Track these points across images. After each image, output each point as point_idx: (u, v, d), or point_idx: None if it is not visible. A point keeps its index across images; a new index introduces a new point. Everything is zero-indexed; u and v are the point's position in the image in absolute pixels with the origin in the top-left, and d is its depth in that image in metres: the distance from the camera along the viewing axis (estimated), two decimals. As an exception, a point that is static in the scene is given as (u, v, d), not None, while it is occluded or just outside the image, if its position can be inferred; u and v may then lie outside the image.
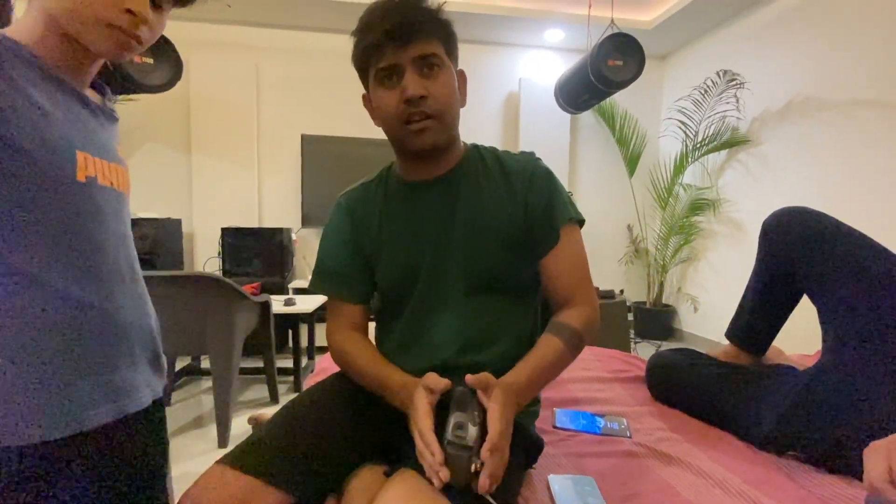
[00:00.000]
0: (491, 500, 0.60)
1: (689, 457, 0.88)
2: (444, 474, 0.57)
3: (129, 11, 0.57)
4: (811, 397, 0.87)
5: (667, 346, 3.30)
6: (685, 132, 3.35)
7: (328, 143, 3.39)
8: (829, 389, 0.86)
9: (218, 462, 0.70)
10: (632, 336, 3.48)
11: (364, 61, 0.76)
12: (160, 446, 0.77)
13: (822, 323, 0.95)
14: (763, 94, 2.94)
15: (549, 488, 0.76)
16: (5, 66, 0.53)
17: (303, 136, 3.36)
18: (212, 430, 2.01)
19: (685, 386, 1.10)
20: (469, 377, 0.66)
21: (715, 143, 3.23)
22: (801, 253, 0.96)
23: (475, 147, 0.88)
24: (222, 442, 1.93)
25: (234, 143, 3.37)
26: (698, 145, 3.31)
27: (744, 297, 1.14)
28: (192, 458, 1.91)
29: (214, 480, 0.67)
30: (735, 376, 1.03)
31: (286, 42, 3.45)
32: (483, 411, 0.64)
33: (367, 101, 0.81)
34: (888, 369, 0.82)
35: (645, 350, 3.26)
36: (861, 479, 0.64)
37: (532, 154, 0.86)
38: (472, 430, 0.60)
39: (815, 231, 0.96)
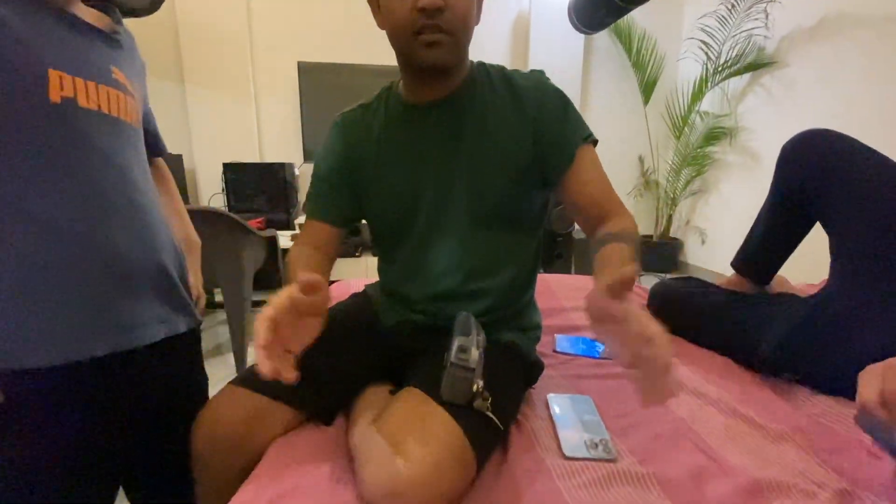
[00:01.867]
0: (491, 415, 0.62)
1: (686, 379, 0.91)
2: (288, 376, 0.54)
3: None
4: (814, 322, 0.87)
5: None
6: (707, 53, 3.13)
7: (327, 71, 3.22)
8: (833, 315, 0.86)
9: (230, 383, 0.73)
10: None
11: None
12: (192, 376, 0.81)
13: (832, 251, 0.93)
14: (795, 8, 2.70)
15: (547, 406, 0.80)
16: None
17: (300, 64, 3.19)
18: (230, 358, 2.11)
19: (687, 312, 1.11)
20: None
21: (738, 65, 3.02)
22: (818, 176, 0.92)
23: (482, 65, 0.82)
24: (240, 370, 2.04)
25: (228, 73, 3.22)
26: (720, 68, 3.10)
27: (754, 224, 1.11)
28: (213, 384, 2.02)
29: (228, 400, 0.70)
30: (738, 303, 1.03)
31: (276, -43, 3.17)
32: (484, 335, 0.66)
33: (375, 6, 0.73)
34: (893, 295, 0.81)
35: (648, 282, 3.29)
36: (853, 401, 0.65)
37: (541, 73, 0.81)
38: (475, 353, 0.62)
39: (835, 153, 0.91)
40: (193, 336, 0.79)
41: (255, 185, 3.15)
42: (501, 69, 0.82)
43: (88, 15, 0.65)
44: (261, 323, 0.53)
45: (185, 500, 0.77)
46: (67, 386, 0.60)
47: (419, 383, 0.65)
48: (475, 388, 0.61)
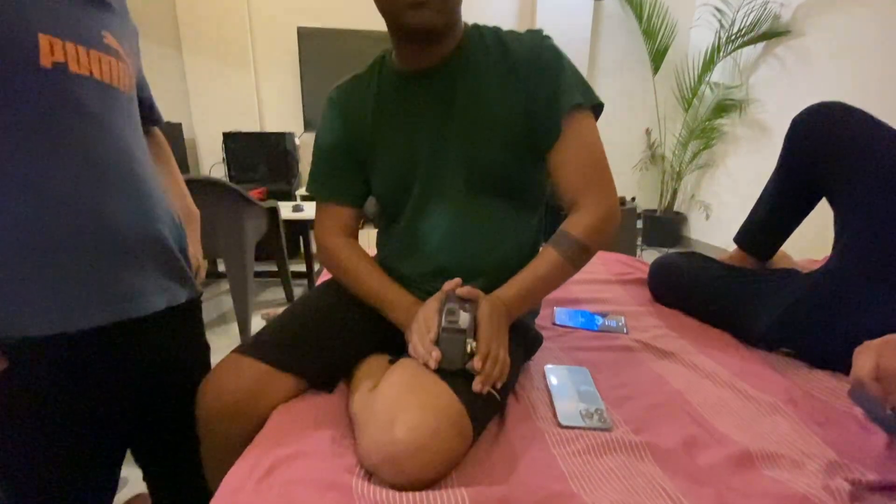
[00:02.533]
0: (490, 387, 0.63)
1: (683, 352, 0.92)
2: (437, 355, 0.61)
3: None
4: (814, 297, 0.87)
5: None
6: (720, 21, 3.02)
7: (328, 37, 3.13)
8: (834, 292, 0.86)
9: (234, 351, 0.74)
10: (638, 243, 3.49)
11: None
12: (193, 345, 0.82)
13: (836, 226, 0.92)
14: (815, -27, 2.59)
15: (545, 377, 0.81)
16: None
17: (299, 30, 3.10)
18: (234, 328, 2.15)
19: (687, 286, 1.11)
20: (459, 290, 0.68)
21: (752, 34, 2.92)
22: (830, 151, 0.90)
23: (476, 28, 0.79)
24: (245, 337, 2.07)
25: (226, 39, 3.13)
26: (733, 37, 3.00)
27: (759, 199, 1.10)
28: (216, 352, 2.07)
29: (231, 368, 0.72)
30: (738, 278, 1.03)
31: (273, -86, 3.03)
32: (475, 302, 0.67)
33: None
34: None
35: (650, 256, 3.29)
36: (848, 375, 0.66)
37: (539, 32, 0.77)
38: (464, 315, 0.63)
39: (849, 127, 0.89)
40: (194, 306, 0.80)
41: (256, 154, 3.12)
42: (496, 31, 0.79)
43: None
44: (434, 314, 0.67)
45: (191, 463, 0.80)
46: (70, 355, 0.61)
47: None
48: (468, 349, 0.62)
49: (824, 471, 0.59)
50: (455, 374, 0.61)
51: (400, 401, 0.57)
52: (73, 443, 0.64)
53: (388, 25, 0.73)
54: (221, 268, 2.75)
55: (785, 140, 0.99)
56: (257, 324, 2.22)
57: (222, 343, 2.09)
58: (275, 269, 2.53)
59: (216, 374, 0.72)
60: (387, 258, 0.86)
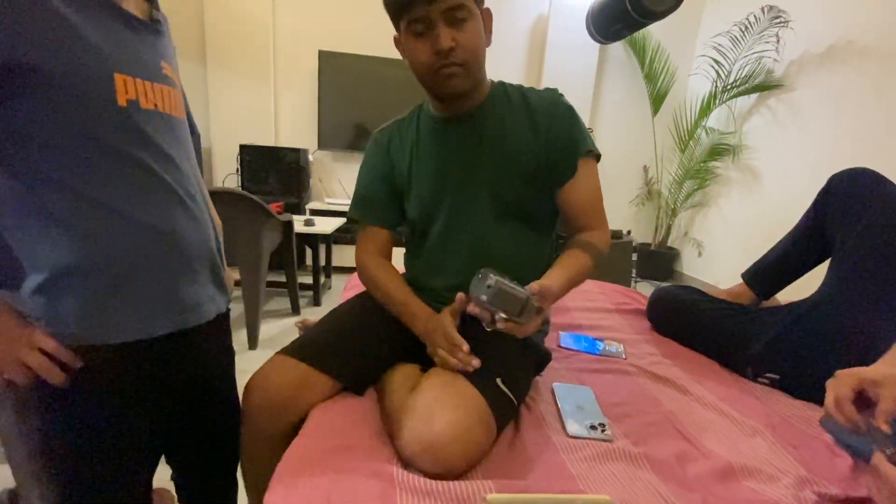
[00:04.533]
0: (507, 391, 0.73)
1: (676, 378, 1.02)
2: (477, 362, 0.72)
3: None
4: (799, 327, 0.98)
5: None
6: (717, 71, 3.22)
7: (346, 60, 3.29)
8: (817, 323, 0.97)
9: (278, 353, 0.83)
10: (633, 276, 3.61)
11: (396, 12, 0.80)
12: (228, 351, 0.88)
13: (831, 266, 1.03)
14: (806, 34, 2.79)
15: (553, 393, 0.90)
16: None
17: (320, 53, 3.26)
18: (240, 334, 2.20)
19: (684, 318, 1.22)
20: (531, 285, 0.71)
21: (746, 85, 3.12)
22: (855, 209, 1.00)
23: (501, 84, 0.92)
24: (252, 344, 2.13)
25: (249, 57, 3.28)
26: (728, 87, 3.20)
27: (778, 243, 1.20)
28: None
29: (277, 367, 0.80)
30: (732, 313, 1.14)
31: (304, -55, 3.22)
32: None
33: (399, 43, 0.85)
34: (877, 310, 0.92)
35: (643, 288, 3.41)
36: (821, 405, 0.76)
37: (555, 90, 0.91)
38: (493, 277, 0.67)
39: (879, 194, 1.00)
40: (225, 314, 0.84)
41: (270, 167, 3.23)
42: (520, 87, 0.92)
43: (133, 2, 0.65)
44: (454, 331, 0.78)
45: (220, 464, 0.86)
46: (140, 361, 0.65)
47: None
48: (522, 296, 0.66)
49: (795, 484, 0.68)
50: (483, 378, 0.71)
51: (438, 400, 0.67)
52: (120, 448, 0.67)
53: (421, 83, 0.85)
54: (234, 276, 2.80)
55: (819, 194, 1.10)
56: (265, 331, 2.28)
57: (234, 348, 2.15)
58: (280, 279, 2.60)
59: (263, 372, 0.80)
60: (416, 274, 0.96)
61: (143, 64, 0.61)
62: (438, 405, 0.66)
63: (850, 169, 1.07)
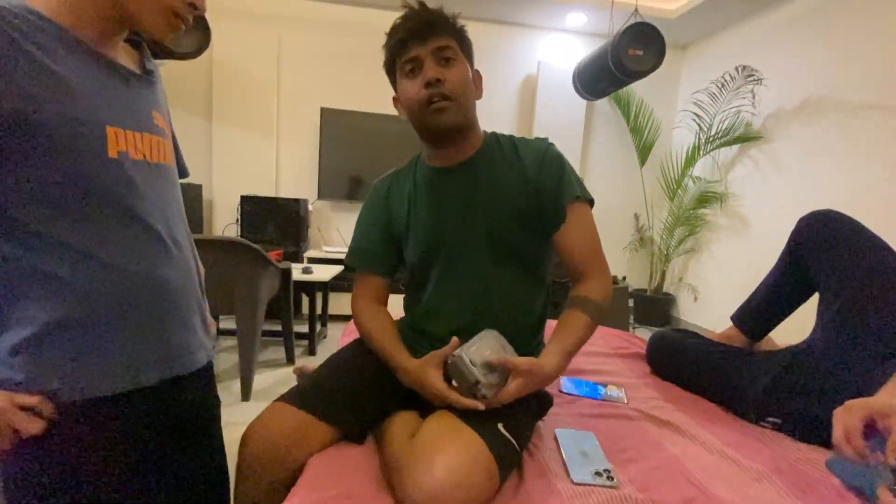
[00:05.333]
0: (509, 437, 0.72)
1: (679, 422, 1.01)
2: (475, 403, 0.72)
3: (191, 5, 0.61)
4: (794, 371, 0.98)
5: (664, 332, 3.43)
6: (699, 125, 3.40)
7: (347, 117, 3.46)
8: (816, 361, 0.97)
9: (277, 400, 0.82)
10: (630, 321, 3.60)
11: (392, 58, 0.87)
12: (213, 398, 0.87)
13: (820, 308, 1.05)
14: (779, 90, 2.98)
15: (556, 439, 0.89)
16: (26, 40, 0.50)
17: (322, 110, 3.42)
18: (233, 385, 2.15)
19: (683, 361, 1.22)
20: (515, 360, 0.77)
21: (727, 137, 3.28)
22: (828, 248, 1.04)
23: (493, 135, 0.97)
24: (245, 396, 2.07)
25: (254, 113, 3.44)
26: (711, 139, 3.36)
27: (759, 286, 1.23)
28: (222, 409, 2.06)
29: (276, 415, 0.79)
30: (729, 356, 1.14)
31: (309, 13, 3.47)
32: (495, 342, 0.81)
33: (397, 101, 0.92)
34: (868, 354, 0.93)
35: (641, 334, 3.39)
36: (827, 447, 0.75)
37: (545, 140, 0.95)
38: (470, 349, 0.75)
39: (845, 232, 1.04)
40: (211, 362, 0.83)
41: (269, 217, 3.29)
42: (511, 138, 0.97)
43: (124, 54, 0.66)
44: (448, 392, 0.77)
45: None
46: (126, 412, 0.64)
47: (450, 408, 0.75)
48: (471, 379, 0.73)
49: (807, 530, 0.66)
50: (484, 423, 0.70)
51: (438, 447, 0.66)
52: (113, 494, 0.64)
53: (416, 128, 0.90)
54: (223, 324, 2.78)
55: (790, 237, 1.14)
56: (258, 382, 2.23)
57: (224, 400, 2.09)
58: (275, 328, 2.58)
59: (262, 420, 0.79)
60: (416, 319, 0.97)
61: (133, 115, 0.62)
62: (438, 450, 0.65)
63: (816, 212, 1.10)
